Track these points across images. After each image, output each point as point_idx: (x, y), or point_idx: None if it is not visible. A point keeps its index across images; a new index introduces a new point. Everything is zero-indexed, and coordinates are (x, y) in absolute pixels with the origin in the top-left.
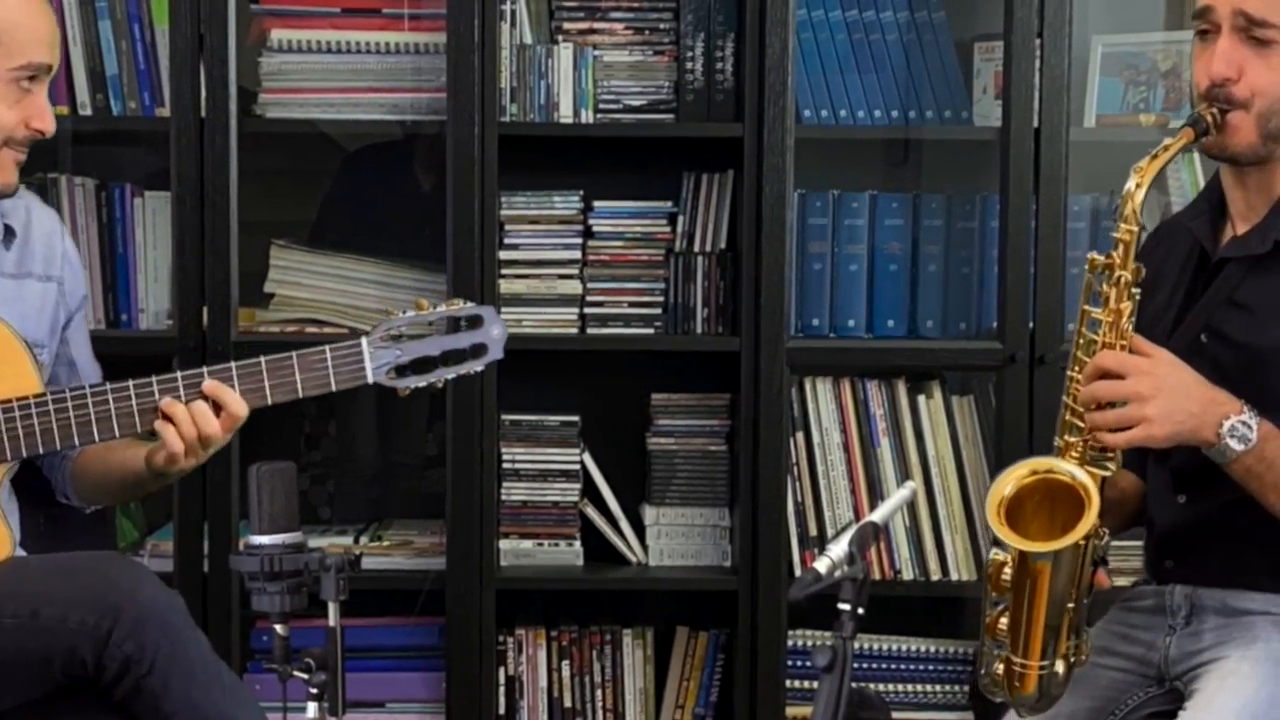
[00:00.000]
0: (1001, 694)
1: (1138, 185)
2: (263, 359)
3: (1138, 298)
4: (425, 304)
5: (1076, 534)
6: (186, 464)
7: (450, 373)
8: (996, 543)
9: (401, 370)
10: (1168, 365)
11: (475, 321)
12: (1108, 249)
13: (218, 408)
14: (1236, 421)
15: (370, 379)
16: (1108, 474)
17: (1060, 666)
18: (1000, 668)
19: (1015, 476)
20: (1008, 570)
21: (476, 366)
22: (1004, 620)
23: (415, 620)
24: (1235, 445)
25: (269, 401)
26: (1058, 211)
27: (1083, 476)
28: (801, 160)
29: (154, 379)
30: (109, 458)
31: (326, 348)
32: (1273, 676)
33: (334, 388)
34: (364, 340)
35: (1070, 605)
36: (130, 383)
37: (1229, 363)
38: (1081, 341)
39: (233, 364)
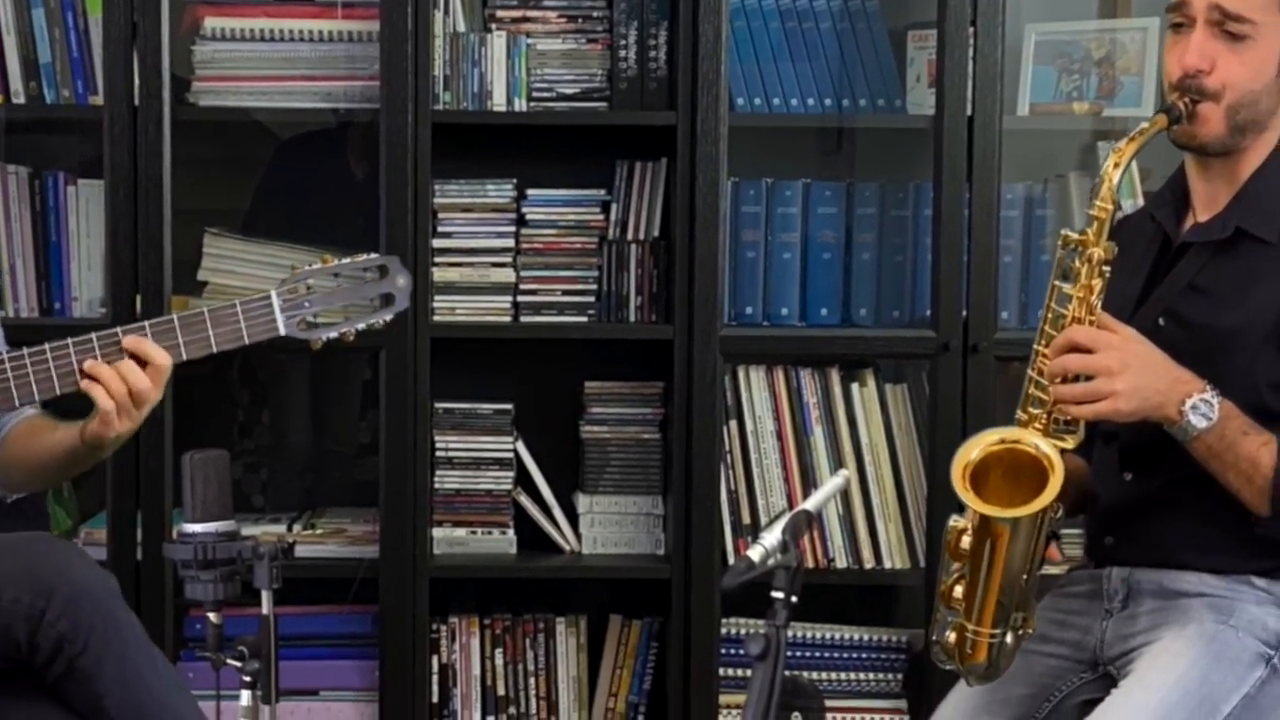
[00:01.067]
0: (952, 662)
1: (1116, 165)
2: (175, 315)
3: (1108, 276)
4: (330, 258)
5: (1041, 502)
6: (121, 426)
7: (360, 323)
8: (959, 509)
9: (311, 323)
10: (1136, 342)
11: (381, 271)
12: (1041, 238)
13: (142, 364)
14: (1199, 399)
15: (282, 330)
16: (1068, 446)
17: (1010, 637)
18: (952, 636)
19: (984, 443)
20: (966, 538)
21: (385, 316)
22: (958, 588)
23: (349, 609)
24: (1198, 423)
25: (184, 357)
26: (991, 200)
27: (1047, 448)
28: (735, 148)
29: (70, 340)
30: (36, 442)
31: (237, 302)
32: (1206, 654)
33: (247, 340)
34: (273, 293)
35: (1024, 576)
36: (46, 346)
37: (1185, 346)
38: (1050, 316)
39: (145, 323)
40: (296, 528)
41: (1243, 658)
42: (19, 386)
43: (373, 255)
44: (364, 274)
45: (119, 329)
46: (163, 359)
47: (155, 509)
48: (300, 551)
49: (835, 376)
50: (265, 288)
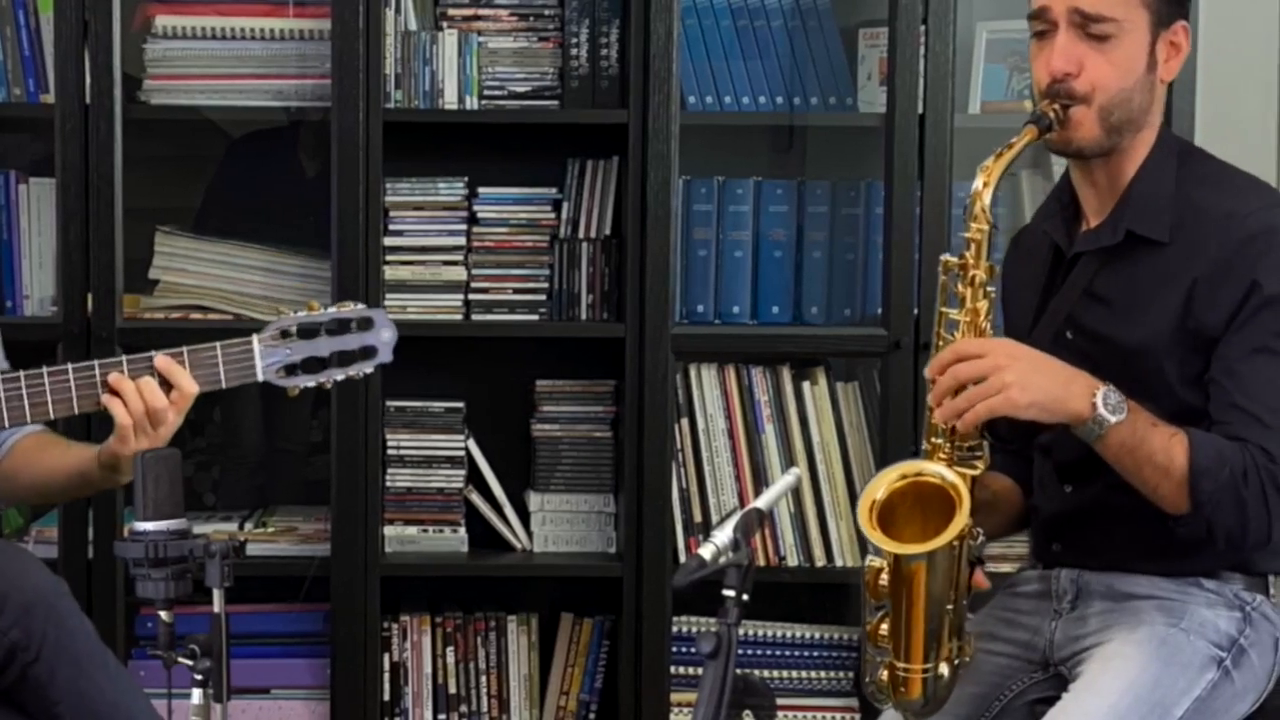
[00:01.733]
0: (887, 700)
1: (985, 184)
2: (154, 354)
3: (993, 296)
4: (316, 305)
5: (949, 534)
6: (139, 445)
7: (339, 374)
8: (873, 549)
9: (291, 369)
10: (1023, 346)
11: (365, 324)
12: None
13: (167, 386)
14: (1108, 391)
15: (260, 377)
16: (975, 472)
17: (944, 669)
18: (884, 674)
19: (885, 481)
20: (885, 576)
21: (366, 368)
22: (884, 626)
23: (300, 607)
24: (1108, 417)
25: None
26: (942, 198)
27: (952, 477)
28: (686, 147)
29: (96, 361)
30: (44, 458)
31: (218, 345)
32: (1157, 657)
33: (224, 385)
34: (255, 338)
35: (949, 607)
36: (69, 365)
37: (1096, 354)
38: (940, 344)
39: (124, 358)
40: (248, 526)
41: (1194, 661)
42: (33, 405)
43: (359, 306)
44: (349, 324)
45: (123, 358)
46: (190, 387)
47: (107, 507)
48: (251, 550)
49: (787, 375)
50: (217, 286)
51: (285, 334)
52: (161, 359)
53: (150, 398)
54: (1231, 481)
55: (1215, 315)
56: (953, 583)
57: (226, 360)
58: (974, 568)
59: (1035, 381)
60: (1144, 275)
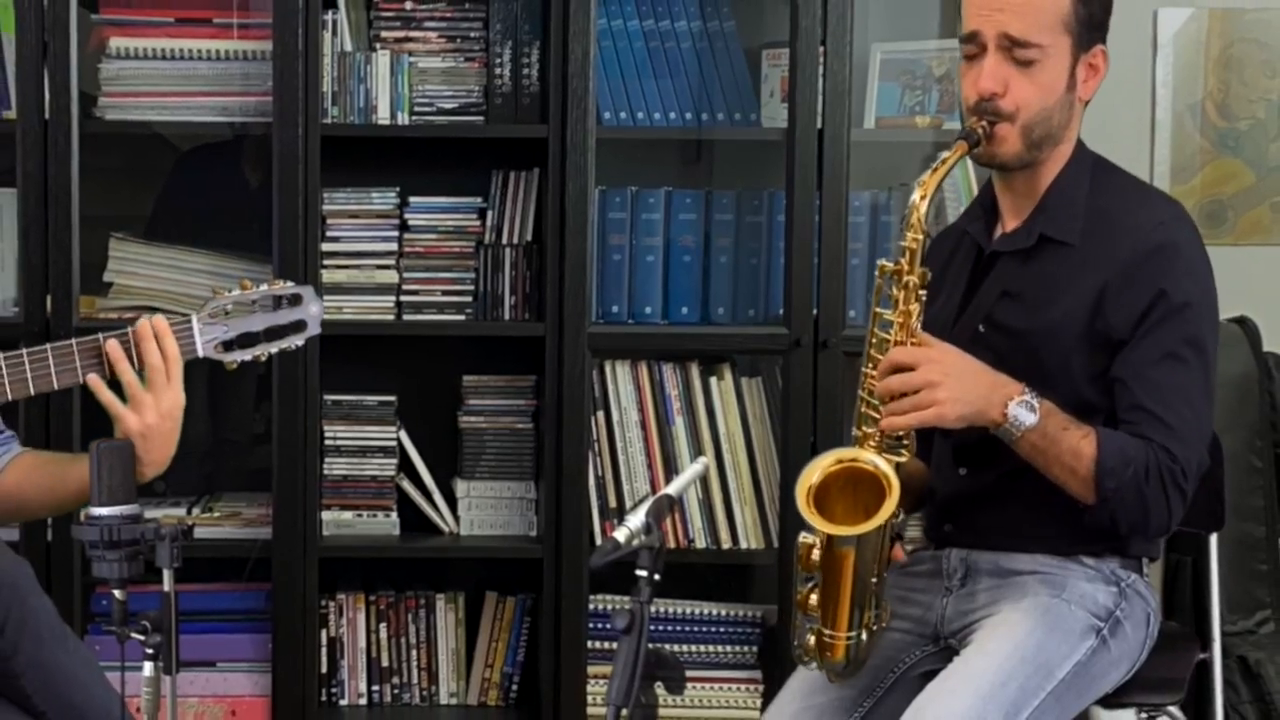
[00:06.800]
0: (814, 662)
1: (921, 197)
2: (101, 335)
3: (924, 299)
4: (249, 284)
5: (879, 519)
6: (146, 418)
7: (273, 347)
8: (805, 526)
9: (228, 345)
10: (954, 354)
11: (295, 300)
12: (886, 242)
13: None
14: (1021, 400)
15: (200, 353)
16: (902, 460)
17: (864, 635)
18: (811, 639)
19: (821, 466)
20: (816, 551)
21: (297, 341)
22: (814, 596)
23: (244, 586)
24: (1024, 420)
25: (108, 375)
26: (839, 207)
27: (885, 466)
28: (602, 159)
29: (74, 341)
30: (47, 475)
31: None
32: (1041, 624)
33: None
34: (194, 317)
35: (873, 580)
36: (48, 346)
37: (1006, 349)
38: (875, 341)
39: (73, 341)
40: (196, 511)
41: (1075, 628)
42: (37, 379)
43: (289, 283)
44: (280, 300)
45: (99, 335)
46: (173, 348)
47: None
48: (199, 533)
49: (695, 371)
50: (167, 289)
51: (221, 311)
52: (159, 320)
53: (148, 355)
54: (1135, 479)
55: (1121, 317)
56: (877, 558)
57: None
58: (894, 542)
59: (964, 396)
60: (1054, 274)
